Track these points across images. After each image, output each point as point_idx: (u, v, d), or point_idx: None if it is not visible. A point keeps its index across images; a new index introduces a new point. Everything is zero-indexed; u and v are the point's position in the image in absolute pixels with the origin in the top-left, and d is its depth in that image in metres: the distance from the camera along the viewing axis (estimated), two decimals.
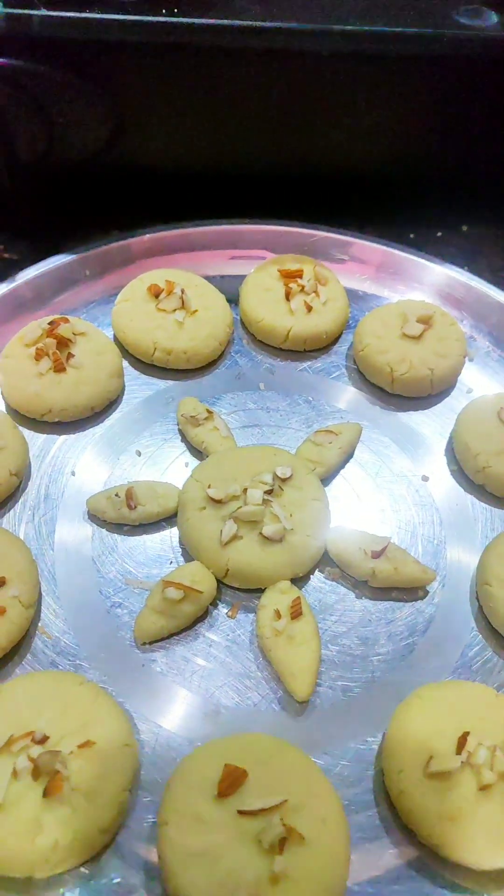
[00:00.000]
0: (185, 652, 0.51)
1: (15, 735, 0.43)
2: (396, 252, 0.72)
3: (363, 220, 0.76)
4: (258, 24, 0.63)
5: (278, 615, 0.50)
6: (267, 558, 0.52)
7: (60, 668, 0.49)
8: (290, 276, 0.68)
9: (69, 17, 0.58)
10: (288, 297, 0.67)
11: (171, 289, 0.65)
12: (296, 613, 0.50)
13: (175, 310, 0.65)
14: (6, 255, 0.74)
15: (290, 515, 0.53)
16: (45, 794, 0.41)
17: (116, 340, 0.66)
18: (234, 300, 0.69)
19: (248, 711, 0.49)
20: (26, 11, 0.57)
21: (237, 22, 0.62)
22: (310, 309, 0.67)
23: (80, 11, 0.57)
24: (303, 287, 0.67)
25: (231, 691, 0.49)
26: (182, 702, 0.49)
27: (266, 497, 0.53)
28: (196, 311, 0.66)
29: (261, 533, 0.52)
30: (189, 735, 0.47)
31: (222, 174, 0.73)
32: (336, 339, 0.69)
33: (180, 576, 0.51)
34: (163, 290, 0.66)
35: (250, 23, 0.63)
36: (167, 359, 0.65)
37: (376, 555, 0.53)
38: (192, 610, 0.51)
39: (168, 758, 0.46)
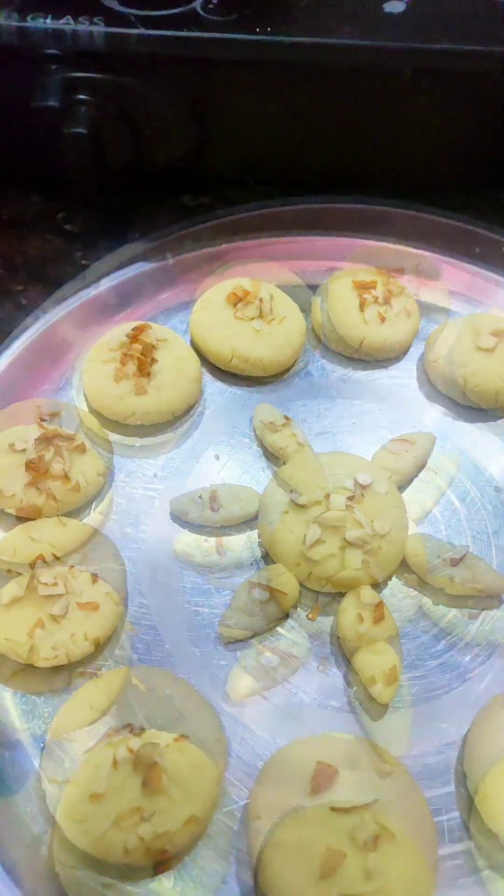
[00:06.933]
0: (267, 652, 0.52)
1: (114, 726, 0.44)
2: (467, 266, 0.73)
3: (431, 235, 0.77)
4: (338, 41, 0.64)
5: (361, 619, 0.51)
6: (349, 563, 0.53)
7: (149, 663, 0.51)
8: (363, 287, 0.69)
9: (164, 36, 0.60)
10: (362, 307, 0.68)
11: (249, 297, 0.67)
12: (378, 618, 0.51)
13: (253, 318, 0.67)
14: (84, 263, 0.77)
15: (372, 521, 0.54)
16: (144, 784, 0.42)
17: (193, 347, 0.68)
18: (306, 310, 0.70)
19: (329, 712, 0.50)
20: (125, 30, 0.59)
21: (319, 40, 0.64)
22: (383, 320, 0.68)
23: (177, 31, 0.59)
24: (376, 298, 0.68)
25: (312, 692, 0.51)
26: (264, 701, 0.50)
27: (348, 503, 0.54)
28: (273, 319, 0.67)
29: (344, 538, 0.53)
30: (271, 733, 0.49)
31: (300, 186, 0.75)
32: (407, 350, 0.70)
33: (265, 577, 0.53)
34: (241, 298, 0.67)
35: (331, 40, 0.64)
36: (244, 366, 0.66)
37: (455, 562, 0.54)
38: (275, 611, 0.52)
39: (253, 754, 0.48)
